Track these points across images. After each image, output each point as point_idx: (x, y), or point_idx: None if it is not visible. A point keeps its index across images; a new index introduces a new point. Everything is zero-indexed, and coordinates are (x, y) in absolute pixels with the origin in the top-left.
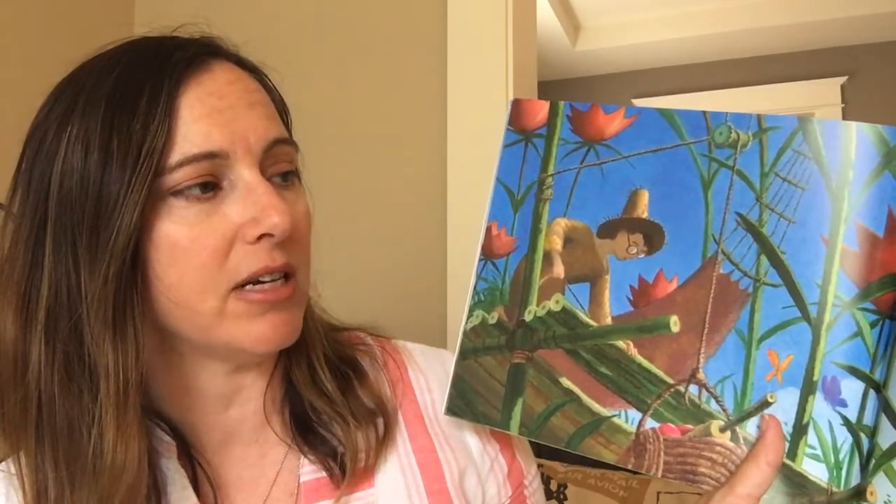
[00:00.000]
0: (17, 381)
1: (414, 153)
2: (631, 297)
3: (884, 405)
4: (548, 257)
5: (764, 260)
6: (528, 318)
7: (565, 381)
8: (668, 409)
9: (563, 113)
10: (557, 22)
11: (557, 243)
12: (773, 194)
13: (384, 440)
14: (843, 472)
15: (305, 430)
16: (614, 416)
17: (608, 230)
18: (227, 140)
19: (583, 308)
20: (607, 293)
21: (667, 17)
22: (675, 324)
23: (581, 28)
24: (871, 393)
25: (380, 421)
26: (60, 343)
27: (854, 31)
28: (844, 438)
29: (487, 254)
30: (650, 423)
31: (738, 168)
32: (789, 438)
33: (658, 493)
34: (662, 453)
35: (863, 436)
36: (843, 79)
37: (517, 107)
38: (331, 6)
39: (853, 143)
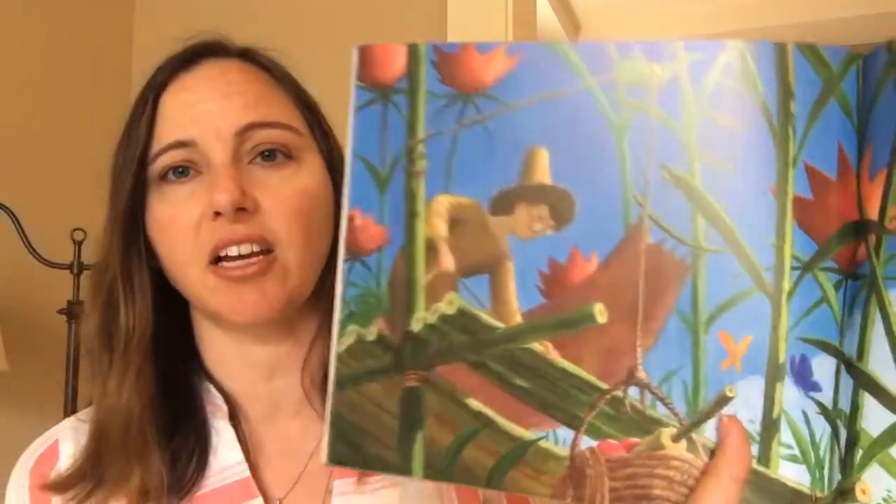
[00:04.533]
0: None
1: None
2: (542, 286)
3: (864, 382)
4: (432, 247)
5: (701, 221)
6: (416, 327)
7: (474, 403)
8: (606, 421)
9: (427, 58)
10: (557, 21)
11: (441, 228)
12: (703, 138)
13: None
14: (827, 472)
15: None
16: (540, 438)
17: (503, 204)
18: (197, 129)
19: (484, 306)
20: (512, 284)
21: (667, 17)
22: (600, 313)
23: (581, 28)
24: (843, 370)
25: None
26: (102, 295)
27: (849, 32)
28: (823, 430)
29: (354, 251)
30: (586, 443)
31: (656, 110)
32: (759, 439)
33: None
34: (606, 478)
35: (839, 423)
36: None
37: (365, 55)
38: (330, 7)
39: (791, 69)
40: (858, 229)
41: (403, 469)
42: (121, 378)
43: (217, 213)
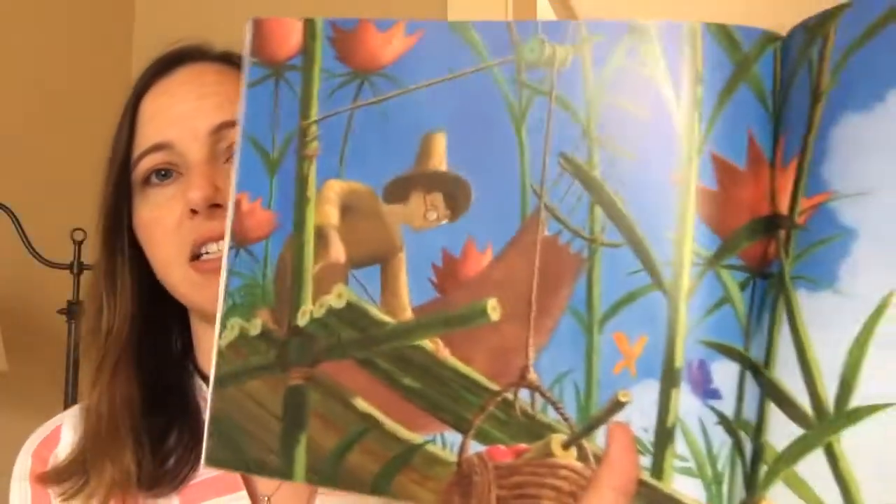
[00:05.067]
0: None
1: None
2: (435, 280)
3: (770, 391)
4: (321, 235)
5: (599, 213)
6: (302, 322)
7: (361, 404)
8: (495, 425)
9: (323, 34)
10: None
11: (332, 215)
12: (604, 125)
13: None
14: (726, 488)
15: None
16: (428, 442)
17: (398, 191)
18: (173, 131)
19: (374, 300)
20: (404, 277)
21: (668, 17)
22: (493, 309)
23: None
24: (749, 377)
25: None
26: (92, 295)
27: None
28: (722, 442)
29: (240, 238)
30: (475, 447)
31: (557, 94)
32: (652, 449)
33: None
34: (493, 486)
35: (743, 435)
36: None
37: (260, 30)
38: (331, 7)
39: (700, 50)
40: (769, 224)
41: (285, 473)
42: (97, 375)
43: (193, 211)
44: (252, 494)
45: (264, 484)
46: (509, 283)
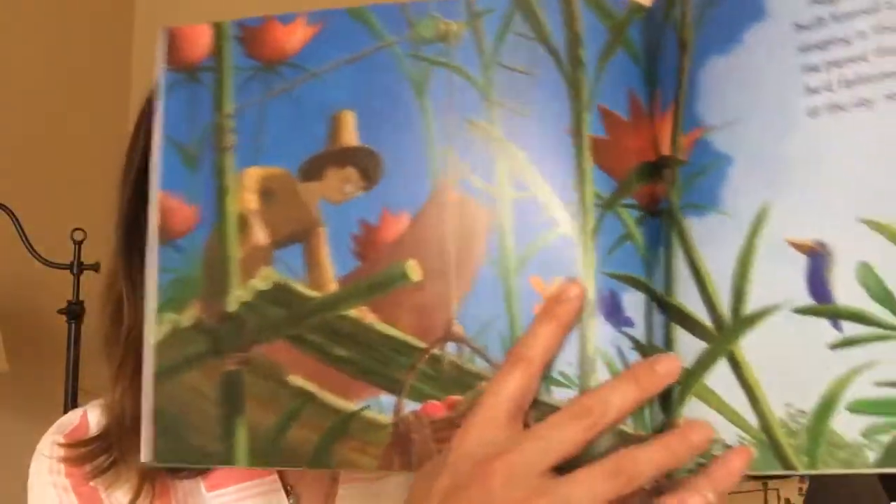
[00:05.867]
0: None
1: None
2: (356, 249)
3: (674, 315)
4: (244, 222)
5: (504, 167)
6: (232, 308)
7: (295, 380)
8: (427, 381)
9: (231, 34)
10: None
11: (252, 201)
12: (500, 88)
13: None
14: (647, 412)
15: None
16: (364, 408)
17: (313, 170)
18: None
19: (299, 277)
20: (325, 250)
21: None
22: (413, 270)
23: None
24: (654, 306)
25: None
26: (110, 294)
27: None
28: None
29: (166, 235)
30: (410, 406)
31: (454, 64)
32: (578, 382)
33: None
34: (432, 441)
35: None
36: None
37: (172, 38)
38: (329, 6)
39: (578, 17)
40: (655, 169)
41: (228, 458)
42: (120, 372)
43: None
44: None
45: (289, 471)
46: (426, 244)
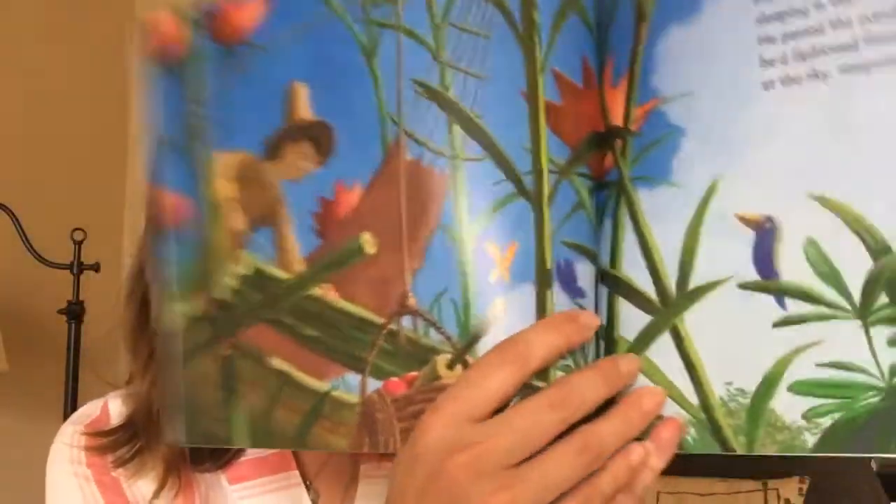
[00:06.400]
0: None
1: None
2: (316, 227)
3: (619, 287)
4: (223, 209)
5: (458, 131)
6: (222, 294)
7: (275, 362)
8: (386, 358)
9: (194, 20)
10: None
11: (227, 187)
12: (452, 49)
13: None
14: None
15: None
16: (333, 388)
17: (273, 149)
18: None
19: (272, 260)
20: (290, 230)
21: None
22: (368, 243)
23: None
24: (599, 278)
25: None
26: (137, 291)
27: None
28: (591, 338)
29: (163, 227)
30: (374, 384)
31: (403, 25)
32: None
33: (658, 493)
34: (395, 419)
35: (598, 333)
36: None
37: (146, 29)
38: None
39: None
40: (604, 139)
41: (232, 440)
42: (148, 364)
43: None
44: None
45: (308, 466)
46: (380, 215)
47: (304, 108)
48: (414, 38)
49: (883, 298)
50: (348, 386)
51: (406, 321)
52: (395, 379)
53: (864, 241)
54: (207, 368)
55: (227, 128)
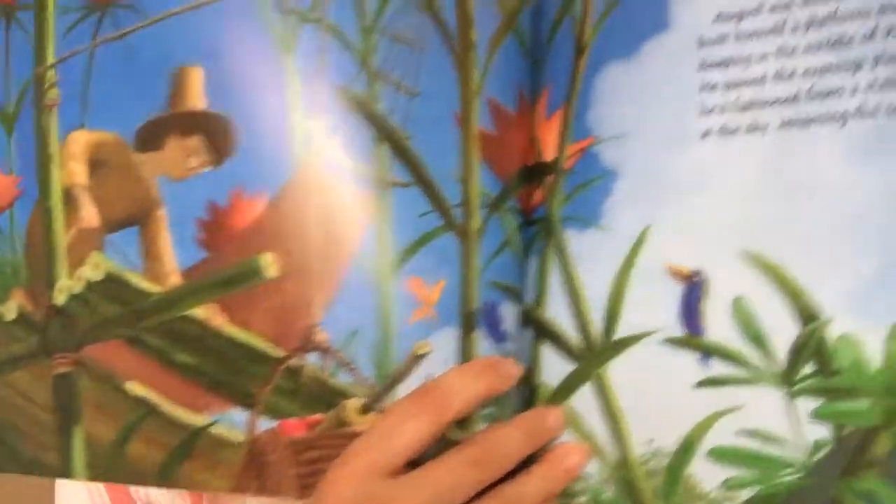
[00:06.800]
0: None
1: None
2: (202, 236)
3: (544, 330)
4: (70, 197)
5: (384, 150)
6: (61, 300)
7: (133, 387)
8: (284, 396)
9: None
10: None
11: (80, 172)
12: (383, 58)
13: None
14: None
15: None
16: (212, 424)
17: (151, 138)
18: None
19: (136, 267)
20: (166, 237)
21: None
22: (270, 265)
23: None
24: (523, 319)
25: None
26: None
27: None
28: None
29: None
30: (265, 424)
31: (328, 22)
32: None
33: None
34: (290, 463)
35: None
36: None
37: None
38: None
39: None
40: (535, 173)
41: (64, 471)
42: None
43: None
44: None
45: None
46: (287, 233)
47: (197, 96)
48: (339, 37)
49: (809, 367)
50: (232, 422)
51: (312, 358)
52: (293, 420)
53: (793, 304)
54: (29, 385)
55: (87, 101)
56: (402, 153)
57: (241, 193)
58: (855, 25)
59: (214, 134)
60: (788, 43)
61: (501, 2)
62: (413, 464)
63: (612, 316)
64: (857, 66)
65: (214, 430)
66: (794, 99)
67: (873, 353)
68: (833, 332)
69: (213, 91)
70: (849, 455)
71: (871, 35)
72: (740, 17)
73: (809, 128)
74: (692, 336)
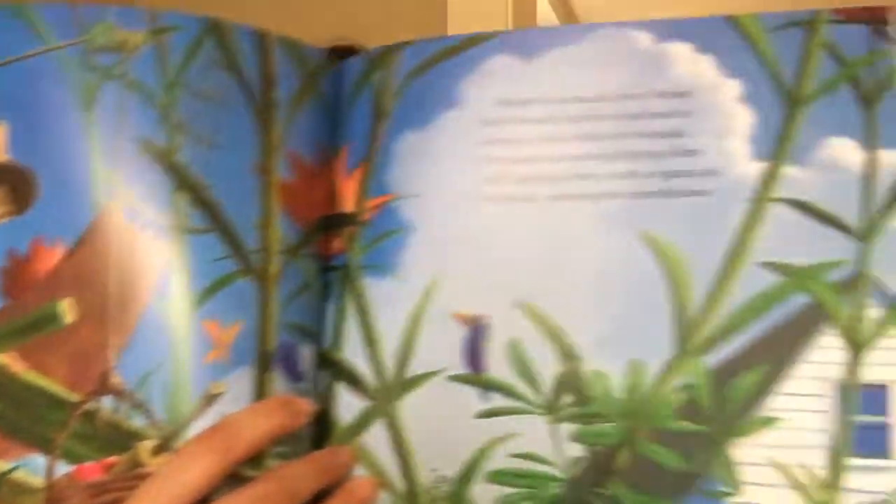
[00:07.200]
0: None
1: None
2: (2, 285)
3: (339, 372)
4: None
5: (183, 198)
6: None
7: None
8: (80, 440)
9: None
10: (557, 20)
11: None
12: (185, 111)
13: None
14: None
15: None
16: (11, 469)
17: None
18: None
19: None
20: None
21: (666, 16)
22: (67, 311)
23: None
24: (318, 361)
25: None
26: None
27: None
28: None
29: None
30: (63, 468)
31: (131, 78)
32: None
33: None
34: None
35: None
36: None
37: None
38: (330, 4)
39: (273, 59)
40: (334, 223)
41: None
42: None
43: None
44: None
45: None
46: (85, 280)
47: (1, 148)
48: (141, 92)
49: (569, 398)
50: (33, 468)
51: (107, 401)
52: (90, 464)
53: (557, 347)
54: None
55: None
56: (200, 201)
57: (42, 241)
58: (609, 126)
59: (16, 184)
60: (557, 132)
61: (303, 64)
62: (205, 502)
63: (404, 356)
64: (610, 158)
65: (14, 476)
66: (561, 178)
67: (617, 385)
68: (587, 369)
69: (15, 144)
70: (600, 468)
71: (621, 135)
72: (519, 104)
73: (571, 202)
74: (474, 373)
